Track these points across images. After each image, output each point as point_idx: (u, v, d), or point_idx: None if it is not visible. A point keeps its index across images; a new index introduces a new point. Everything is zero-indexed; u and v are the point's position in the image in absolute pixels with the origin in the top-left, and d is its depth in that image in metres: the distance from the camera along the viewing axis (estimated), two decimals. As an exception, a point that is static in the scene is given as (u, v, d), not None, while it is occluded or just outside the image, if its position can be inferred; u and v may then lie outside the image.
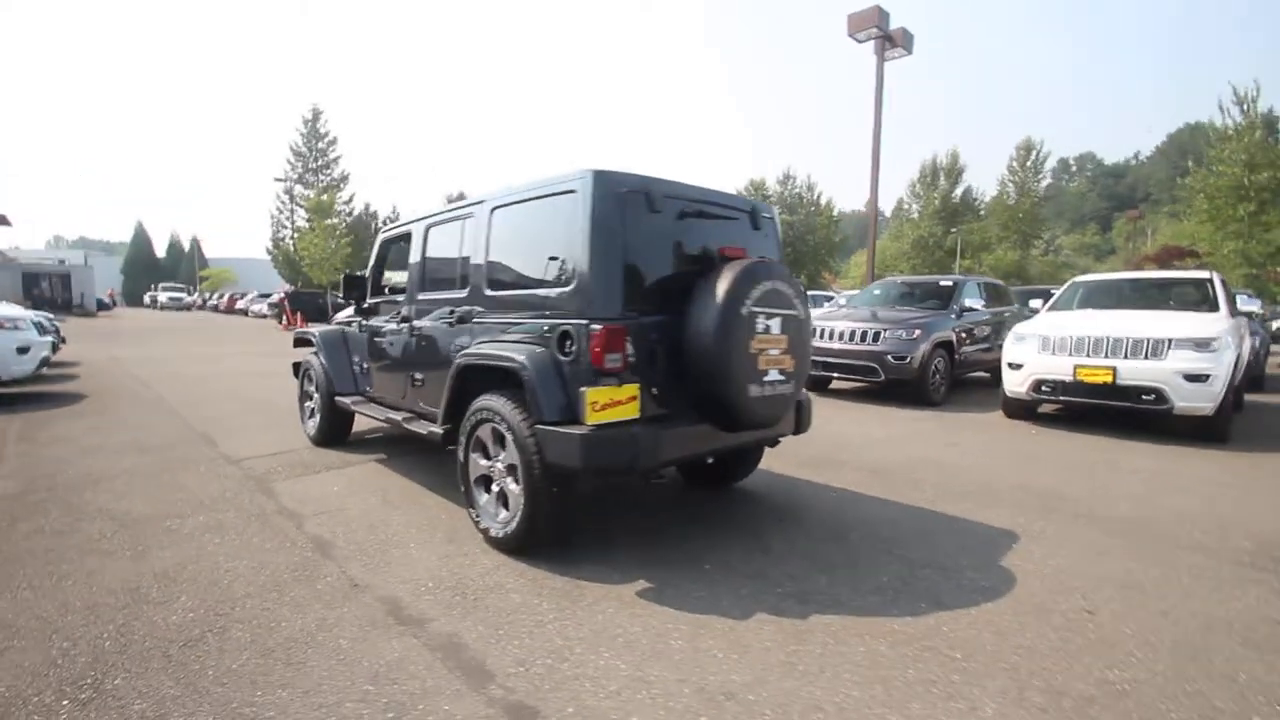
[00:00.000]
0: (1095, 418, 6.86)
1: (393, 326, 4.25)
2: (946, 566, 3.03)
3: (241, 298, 36.44)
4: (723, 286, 2.81)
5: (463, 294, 3.53)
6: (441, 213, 3.88)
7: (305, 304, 25.44)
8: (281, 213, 33.89)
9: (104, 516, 3.55)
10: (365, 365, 4.74)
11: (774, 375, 3.03)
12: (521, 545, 3.00)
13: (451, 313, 3.59)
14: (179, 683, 2.04)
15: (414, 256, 4.08)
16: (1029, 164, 43.58)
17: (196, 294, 44.32)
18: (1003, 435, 6.27)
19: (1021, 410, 7.04)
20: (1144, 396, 5.87)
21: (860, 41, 12.69)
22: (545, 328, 2.92)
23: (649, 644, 2.31)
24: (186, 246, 58.55)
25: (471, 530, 3.35)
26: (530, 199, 3.12)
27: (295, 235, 31.32)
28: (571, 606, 2.58)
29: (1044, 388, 6.50)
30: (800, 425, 3.57)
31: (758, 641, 2.34)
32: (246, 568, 2.91)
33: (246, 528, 3.41)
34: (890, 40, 12.59)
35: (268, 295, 32.37)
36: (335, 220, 25.84)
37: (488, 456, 3.22)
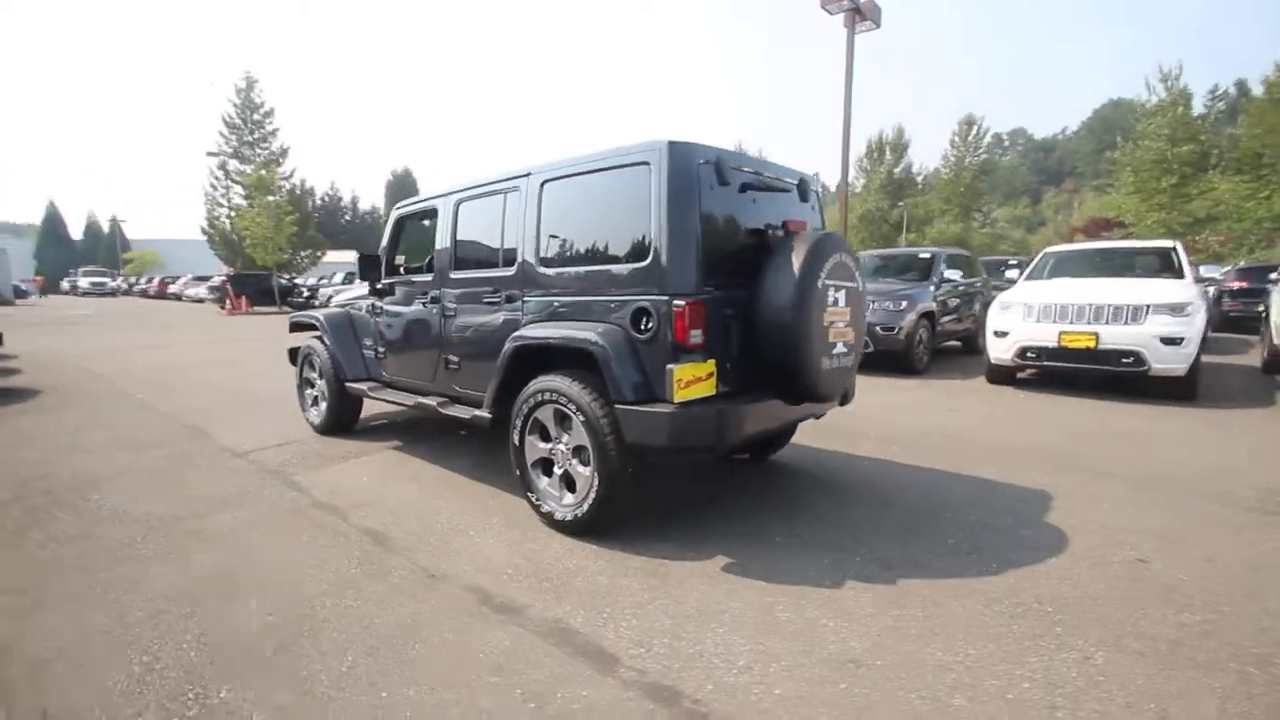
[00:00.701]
0: (1071, 381, 7.24)
1: (417, 308, 4.06)
2: (1000, 526, 3.16)
3: (173, 281, 34.17)
4: (800, 259, 2.79)
5: (508, 272, 3.39)
6: (474, 187, 3.69)
7: (249, 287, 24.13)
8: (216, 189, 31.66)
9: (122, 520, 3.30)
10: (380, 349, 4.53)
11: (840, 348, 3.05)
12: (590, 527, 2.95)
13: (495, 292, 3.45)
14: (293, 690, 1.92)
15: (442, 234, 3.89)
16: (969, 139, 45.06)
17: (120, 278, 41.28)
18: (995, 400, 6.55)
19: (1004, 376, 7.36)
20: (1124, 359, 6.23)
21: (831, 14, 12.75)
22: (615, 305, 2.85)
23: (755, 618, 2.32)
24: (106, 227, 54.30)
25: (528, 514, 3.28)
26: (591, 171, 3.00)
27: (233, 214, 29.40)
28: (662, 585, 2.57)
29: (1029, 354, 6.80)
30: (847, 397, 3.62)
31: (859, 609, 2.38)
32: (307, 565, 2.76)
33: (287, 523, 3.23)
34: (860, 13, 12.70)
35: (205, 278, 30.43)
36: (278, 197, 24.35)
37: (546, 439, 3.14)
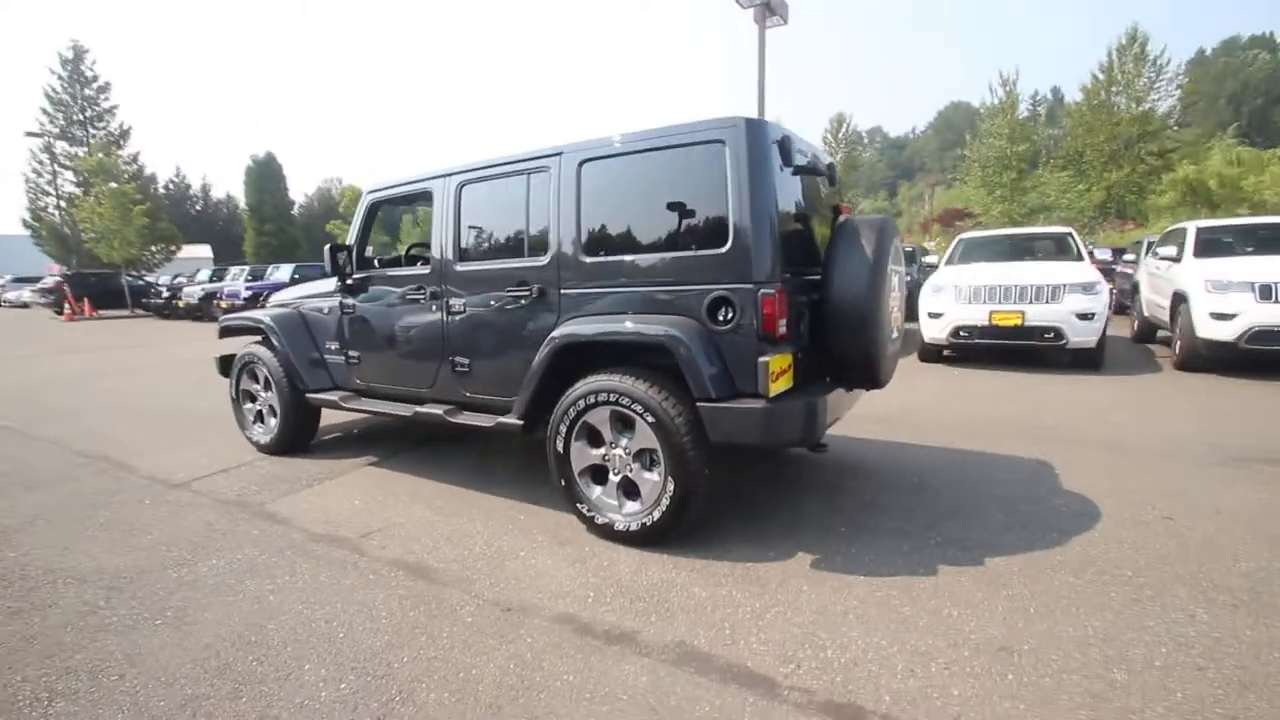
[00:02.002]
0: (988, 357, 7.86)
1: (409, 305, 3.58)
2: (1032, 499, 3.30)
3: (-16, 284, 28.79)
4: (871, 244, 2.73)
5: (537, 262, 3.05)
6: (482, 168, 3.28)
7: (93, 288, 20.86)
8: (41, 176, 26.79)
9: (65, 579, 2.63)
10: (351, 354, 3.96)
11: (895, 333, 3.04)
12: (660, 536, 2.74)
13: (522, 285, 3.09)
14: (426, 772, 1.57)
15: (441, 220, 3.43)
16: (839, 135, 48.24)
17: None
18: (939, 377, 6.97)
19: (934, 354, 7.89)
20: (1046, 334, 6.87)
21: (743, 7, 13.01)
22: (685, 295, 2.63)
23: (880, 616, 2.24)
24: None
25: (571, 527, 3.00)
26: (644, 151, 2.74)
27: (65, 204, 25.10)
28: (765, 591, 2.42)
29: (962, 333, 7.32)
30: None
31: (971, 594, 2.37)
32: (348, 614, 2.32)
33: (293, 565, 2.72)
34: (770, 8, 13.06)
35: (33, 279, 25.83)
36: (124, 184, 21.05)
37: (596, 444, 2.87)
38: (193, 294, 18.73)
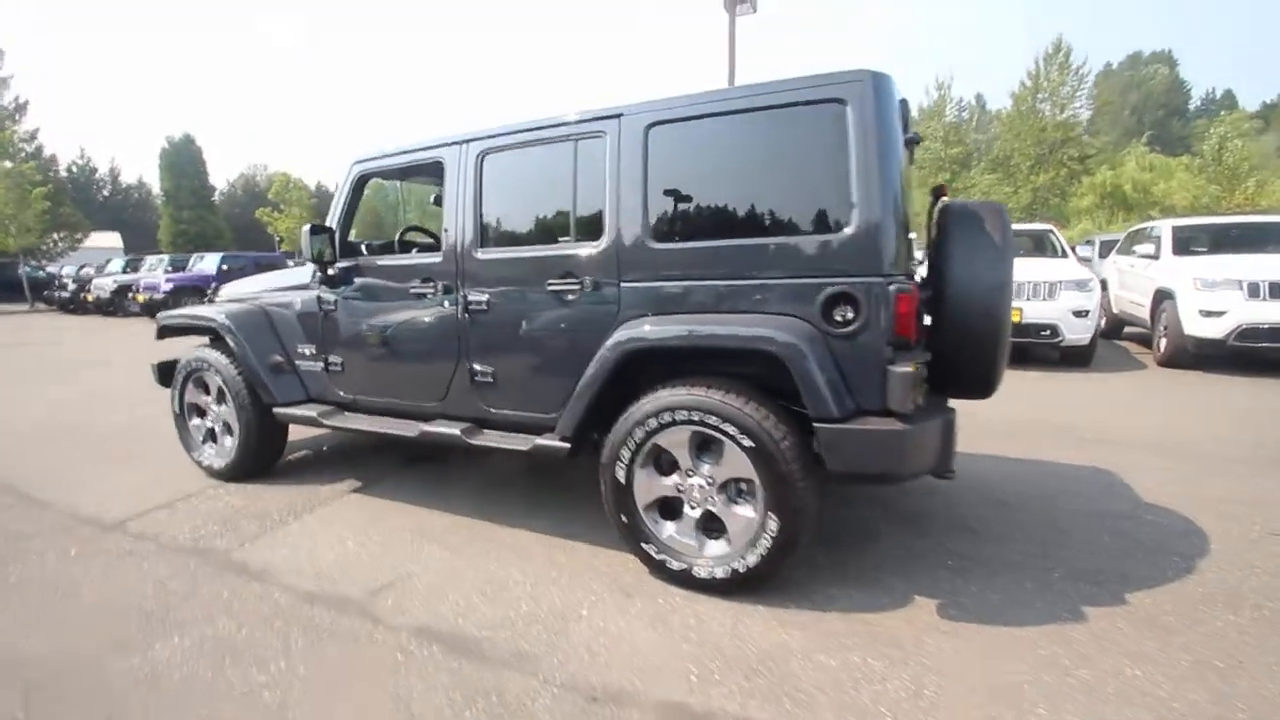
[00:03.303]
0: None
1: (414, 300, 2.94)
2: (1126, 515, 3.01)
3: None
4: (998, 232, 2.33)
5: (588, 249, 2.49)
6: (511, 133, 2.68)
7: (-18, 280, 18.53)
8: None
9: (-41, 681, 1.91)
10: (334, 359, 3.28)
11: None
12: (753, 584, 2.26)
13: (568, 276, 2.52)
14: None
15: (457, 198, 2.81)
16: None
17: None
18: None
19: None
20: (1042, 332, 6.79)
21: (715, -7, 12.64)
22: (792, 290, 2.15)
23: (1059, 683, 1.83)
24: None
25: (637, 569, 2.48)
26: (738, 111, 2.24)
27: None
28: (903, 657, 1.98)
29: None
30: None
31: (1138, 646, 2.00)
32: (393, 716, 1.73)
33: (288, 642, 2.08)
34: (739, -5, 12.74)
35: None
36: (22, 164, 18.68)
37: (668, 472, 2.37)
38: (104, 286, 16.83)
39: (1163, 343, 7.03)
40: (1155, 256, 7.70)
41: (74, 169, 50.63)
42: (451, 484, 3.54)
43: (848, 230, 2.09)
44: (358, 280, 3.16)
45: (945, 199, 2.64)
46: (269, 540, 2.86)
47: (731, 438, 2.16)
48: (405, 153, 3.02)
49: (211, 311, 3.57)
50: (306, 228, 3.04)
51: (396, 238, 3.45)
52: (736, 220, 2.29)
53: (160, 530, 2.99)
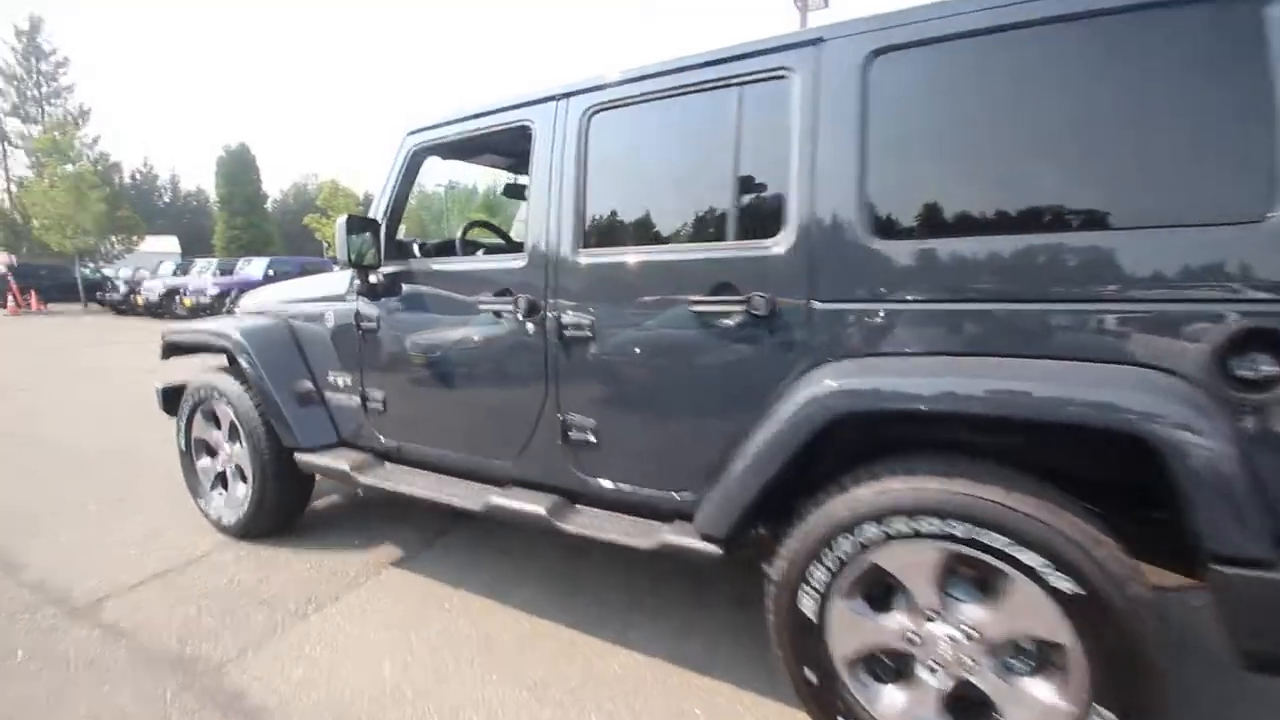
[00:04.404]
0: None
1: (482, 320, 2.13)
2: None
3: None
4: None
5: (764, 251, 1.62)
6: (635, 79, 1.83)
7: (42, 279, 18.83)
8: (-11, 156, 24.41)
9: None
10: (373, 393, 2.49)
11: None
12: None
13: (726, 290, 1.66)
14: None
15: (544, 178, 1.98)
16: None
17: None
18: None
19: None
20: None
21: (787, -10, 11.80)
22: (1152, 321, 1.25)
23: None
24: None
25: (823, 753, 1.58)
26: (1021, 25, 1.34)
27: (17, 187, 22.82)
28: None
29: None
30: None
31: None
32: None
33: None
34: (813, -11, 11.86)
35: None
36: (80, 166, 18.99)
37: (889, 608, 1.48)
38: (153, 289, 16.78)
39: None
40: None
41: (137, 176, 52.70)
42: (523, 561, 2.70)
43: (1271, 218, 1.16)
44: (407, 290, 2.36)
45: None
46: (278, 648, 2.06)
47: (1030, 571, 1.27)
48: (476, 117, 2.19)
49: (224, 326, 2.82)
50: (342, 220, 2.26)
51: (459, 235, 2.65)
52: (1041, 202, 1.39)
53: (142, 620, 2.23)
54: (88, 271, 20.22)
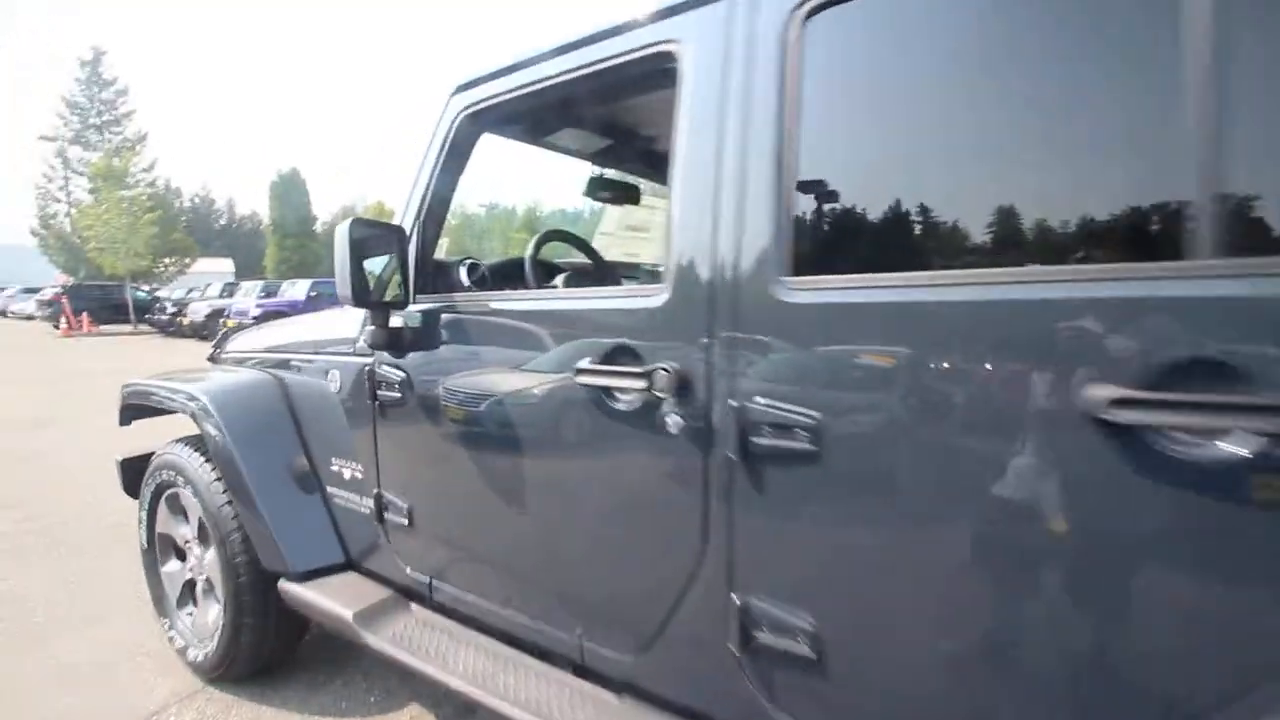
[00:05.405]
0: None
1: (581, 396, 1.20)
2: None
3: (-4, 294, 27.27)
4: None
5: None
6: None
7: (94, 301, 19.05)
8: (52, 182, 25.20)
9: None
10: (393, 498, 1.59)
11: None
12: None
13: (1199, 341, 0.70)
14: None
15: (703, 144, 1.04)
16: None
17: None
18: None
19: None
20: None
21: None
22: None
23: None
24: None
25: None
26: None
27: (74, 211, 23.49)
28: None
29: None
30: None
31: None
32: None
33: None
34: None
35: (34, 290, 24.14)
36: (135, 191, 19.27)
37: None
38: (199, 310, 16.71)
39: None
40: None
41: (195, 200, 54.92)
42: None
43: None
44: (450, 339, 1.46)
45: None
46: None
47: None
48: (563, 51, 1.24)
49: (188, 381, 1.98)
50: (343, 228, 1.37)
51: (528, 253, 1.74)
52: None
53: None
54: (142, 294, 20.43)
